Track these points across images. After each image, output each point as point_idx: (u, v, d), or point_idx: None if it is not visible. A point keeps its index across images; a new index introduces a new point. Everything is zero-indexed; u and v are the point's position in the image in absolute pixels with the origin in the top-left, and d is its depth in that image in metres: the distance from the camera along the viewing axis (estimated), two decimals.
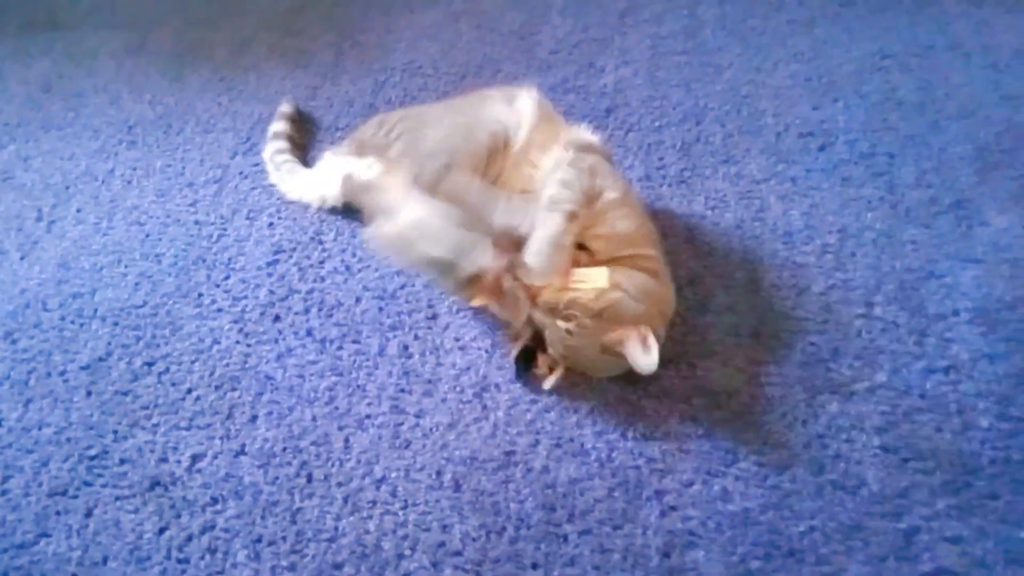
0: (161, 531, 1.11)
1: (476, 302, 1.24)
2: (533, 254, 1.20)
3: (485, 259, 1.21)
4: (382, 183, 1.37)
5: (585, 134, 1.40)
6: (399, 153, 1.39)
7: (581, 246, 1.24)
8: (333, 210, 1.54)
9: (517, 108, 1.43)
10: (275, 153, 1.63)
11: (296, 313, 1.38)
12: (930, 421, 1.17)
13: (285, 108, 1.75)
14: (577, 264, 1.22)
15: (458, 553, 1.07)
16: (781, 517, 1.08)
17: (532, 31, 2.02)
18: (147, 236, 1.55)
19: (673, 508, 1.10)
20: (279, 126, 1.69)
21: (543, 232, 1.21)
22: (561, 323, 1.17)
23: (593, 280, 1.19)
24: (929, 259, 1.39)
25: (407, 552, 1.07)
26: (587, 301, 1.16)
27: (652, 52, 1.92)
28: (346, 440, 1.19)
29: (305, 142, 1.72)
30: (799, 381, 1.23)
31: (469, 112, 1.44)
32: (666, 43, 1.94)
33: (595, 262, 1.23)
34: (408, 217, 1.27)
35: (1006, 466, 1.11)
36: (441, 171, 1.32)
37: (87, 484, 1.17)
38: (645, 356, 1.12)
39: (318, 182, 1.54)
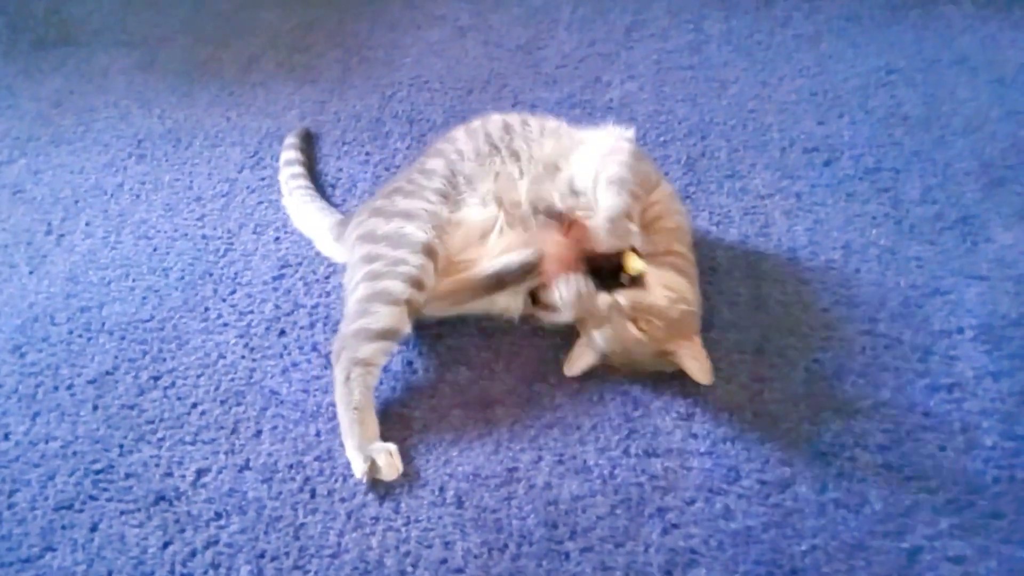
0: (165, 546, 1.11)
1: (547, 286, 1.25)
2: (605, 221, 1.22)
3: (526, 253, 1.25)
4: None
5: (628, 131, 1.41)
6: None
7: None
8: None
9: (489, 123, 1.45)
10: (290, 178, 1.64)
11: (301, 328, 1.39)
12: (934, 439, 1.17)
13: (291, 139, 1.75)
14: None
15: (460, 570, 1.07)
16: (783, 536, 1.07)
17: (538, 46, 2.03)
18: (155, 250, 1.56)
19: (675, 526, 1.09)
20: (290, 154, 1.70)
21: (610, 203, 1.24)
22: (633, 328, 1.20)
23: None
24: (934, 276, 1.39)
25: (409, 569, 1.07)
26: (664, 309, 1.20)
27: (658, 67, 1.93)
28: None
29: (312, 159, 1.73)
30: (802, 398, 1.23)
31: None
32: (672, 58, 1.95)
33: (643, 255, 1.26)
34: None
35: (1010, 485, 1.10)
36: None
37: (92, 498, 1.18)
38: (701, 368, 1.20)
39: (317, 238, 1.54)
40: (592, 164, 1.32)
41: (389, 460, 1.15)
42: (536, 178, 1.35)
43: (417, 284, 1.26)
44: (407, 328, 1.25)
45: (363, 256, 1.31)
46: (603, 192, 1.27)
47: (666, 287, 1.23)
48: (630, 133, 1.40)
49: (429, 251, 1.28)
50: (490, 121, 1.44)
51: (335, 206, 1.60)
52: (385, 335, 1.23)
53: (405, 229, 1.30)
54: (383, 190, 1.45)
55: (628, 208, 1.24)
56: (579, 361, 1.26)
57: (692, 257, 1.33)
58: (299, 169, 1.65)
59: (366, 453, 1.16)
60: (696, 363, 1.20)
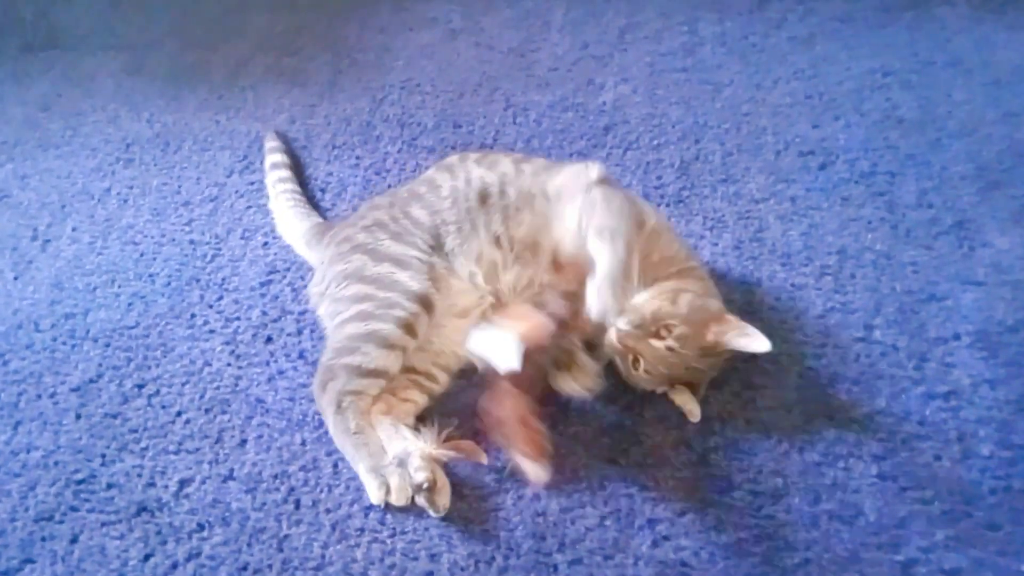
0: (146, 558, 1.09)
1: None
2: (598, 291, 1.14)
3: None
4: None
5: (592, 169, 1.31)
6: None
7: None
8: None
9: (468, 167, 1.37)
10: (277, 181, 1.62)
11: (288, 335, 1.37)
12: (929, 449, 1.15)
13: (272, 142, 1.73)
14: None
15: None
16: (775, 548, 1.06)
17: (531, 49, 2.01)
18: (141, 255, 1.54)
19: (665, 538, 1.07)
20: (275, 157, 1.68)
21: (607, 265, 1.16)
22: (657, 342, 1.14)
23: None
24: (929, 281, 1.37)
25: None
26: (671, 309, 1.15)
27: (651, 70, 1.91)
28: (335, 465, 1.18)
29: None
30: (795, 406, 1.21)
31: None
32: (665, 60, 1.94)
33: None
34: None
35: (1007, 495, 1.09)
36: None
37: (73, 509, 1.15)
38: (755, 339, 1.13)
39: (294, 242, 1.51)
40: (572, 228, 1.26)
41: (400, 484, 1.11)
42: (520, 263, 1.29)
43: (410, 330, 1.22)
44: (397, 369, 1.22)
45: (352, 296, 1.26)
46: (596, 249, 1.19)
47: (654, 295, 1.19)
48: (595, 171, 1.30)
49: (424, 302, 1.24)
50: (469, 183, 1.33)
51: (325, 211, 1.58)
52: (377, 374, 1.20)
53: (397, 276, 1.26)
54: (363, 213, 1.40)
55: (624, 262, 1.18)
56: (690, 403, 1.19)
57: (694, 263, 1.29)
58: (286, 172, 1.63)
59: (381, 475, 1.12)
60: (745, 337, 1.14)
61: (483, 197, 1.31)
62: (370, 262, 1.29)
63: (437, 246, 1.31)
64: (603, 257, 1.17)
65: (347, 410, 1.17)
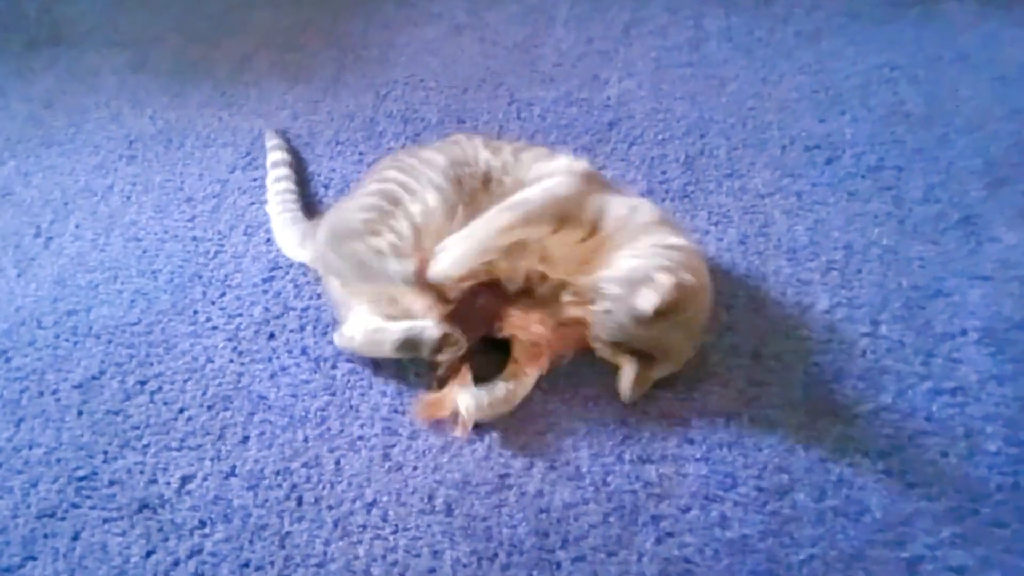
0: (148, 555, 1.09)
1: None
2: (448, 247, 1.18)
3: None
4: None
5: (577, 163, 1.33)
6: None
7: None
8: None
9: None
10: (273, 182, 1.61)
11: (291, 331, 1.36)
12: (936, 445, 1.14)
13: (273, 140, 1.72)
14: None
15: None
16: (781, 544, 1.05)
17: (535, 44, 2.00)
18: (144, 252, 1.54)
19: (670, 534, 1.07)
20: (276, 155, 1.67)
21: (474, 229, 1.20)
22: (596, 307, 1.16)
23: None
24: (936, 276, 1.36)
25: None
26: (593, 275, 1.17)
27: (656, 64, 1.90)
28: (337, 462, 1.17)
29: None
30: (801, 403, 1.20)
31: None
32: (671, 55, 1.92)
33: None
34: (358, 328, 1.27)
35: (1014, 493, 1.08)
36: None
37: (75, 506, 1.15)
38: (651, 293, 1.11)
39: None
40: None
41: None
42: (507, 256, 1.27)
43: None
44: None
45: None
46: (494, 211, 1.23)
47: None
48: (579, 165, 1.32)
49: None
50: (477, 162, 1.35)
51: (328, 207, 1.57)
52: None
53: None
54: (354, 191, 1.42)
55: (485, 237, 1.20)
56: (624, 380, 1.18)
57: None
58: (283, 171, 1.62)
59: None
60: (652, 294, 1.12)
61: (486, 180, 1.32)
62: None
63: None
64: (485, 222, 1.20)
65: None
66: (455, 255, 1.18)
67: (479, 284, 1.21)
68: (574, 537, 1.07)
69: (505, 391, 1.18)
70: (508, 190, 1.29)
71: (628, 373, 1.17)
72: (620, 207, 1.26)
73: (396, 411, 1.23)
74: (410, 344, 1.21)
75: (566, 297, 1.20)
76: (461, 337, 1.18)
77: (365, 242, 1.26)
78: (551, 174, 1.29)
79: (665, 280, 1.12)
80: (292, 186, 1.59)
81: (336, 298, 1.33)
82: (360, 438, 1.20)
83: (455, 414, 1.18)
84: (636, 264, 1.18)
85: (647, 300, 1.11)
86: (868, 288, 1.36)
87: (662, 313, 1.11)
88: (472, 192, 1.30)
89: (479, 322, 1.21)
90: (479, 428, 1.19)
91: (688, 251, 1.23)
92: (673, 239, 1.24)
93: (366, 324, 1.25)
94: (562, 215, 1.22)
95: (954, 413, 1.17)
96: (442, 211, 1.27)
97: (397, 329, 1.22)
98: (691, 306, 1.16)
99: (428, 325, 1.20)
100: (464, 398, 1.17)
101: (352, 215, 1.30)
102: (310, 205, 1.59)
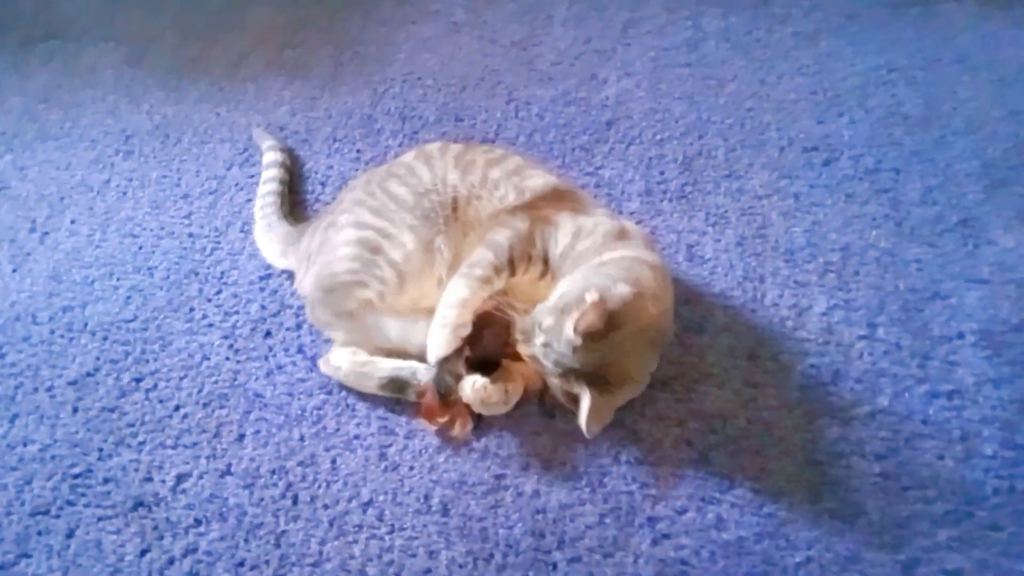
0: (143, 553, 1.09)
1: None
2: (431, 338, 1.17)
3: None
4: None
5: (539, 178, 1.32)
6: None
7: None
8: None
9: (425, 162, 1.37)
10: (261, 183, 1.60)
11: (287, 329, 1.36)
12: (932, 448, 1.14)
13: (267, 141, 1.70)
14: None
15: None
16: (776, 547, 1.05)
17: (533, 42, 2.00)
18: (140, 248, 1.53)
19: (666, 536, 1.07)
20: (270, 156, 1.65)
21: (443, 312, 1.18)
22: (538, 339, 1.10)
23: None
24: (933, 279, 1.36)
25: None
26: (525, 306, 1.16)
27: (654, 64, 1.90)
28: (333, 461, 1.17)
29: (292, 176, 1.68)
30: (798, 405, 1.20)
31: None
32: (669, 55, 1.92)
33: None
34: (344, 358, 1.25)
35: (1010, 496, 1.08)
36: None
37: (70, 504, 1.15)
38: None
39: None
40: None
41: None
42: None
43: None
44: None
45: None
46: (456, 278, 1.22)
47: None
48: (547, 184, 1.31)
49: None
50: (445, 186, 1.32)
51: (325, 204, 1.57)
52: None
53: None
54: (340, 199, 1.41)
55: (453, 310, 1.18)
56: (582, 413, 1.08)
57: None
58: (273, 172, 1.60)
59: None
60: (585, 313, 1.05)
61: (454, 206, 1.30)
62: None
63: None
64: (447, 294, 1.19)
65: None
66: (440, 343, 1.16)
67: (486, 312, 1.19)
68: (570, 538, 1.07)
69: (504, 390, 1.18)
70: (476, 214, 1.29)
71: (584, 404, 1.07)
72: (565, 235, 1.22)
73: (392, 410, 1.23)
74: (397, 384, 1.21)
75: (516, 336, 1.15)
76: (453, 384, 1.17)
77: (353, 295, 1.25)
78: (508, 203, 1.29)
79: (587, 299, 1.05)
80: (277, 187, 1.56)
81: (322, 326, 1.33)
82: (356, 437, 1.20)
83: (454, 418, 1.17)
84: (566, 290, 1.13)
85: (571, 325, 1.06)
86: (865, 290, 1.35)
87: (598, 334, 1.04)
88: (445, 219, 1.29)
89: (489, 346, 1.20)
90: (476, 429, 1.19)
91: (629, 261, 1.17)
92: (615, 253, 1.19)
93: (354, 356, 1.24)
94: (512, 260, 1.21)
95: (951, 416, 1.17)
96: (420, 250, 1.26)
97: (386, 367, 1.22)
98: (632, 320, 1.07)
99: (419, 368, 1.20)
100: (467, 382, 1.17)
101: (336, 267, 1.27)
102: (305, 203, 1.59)
